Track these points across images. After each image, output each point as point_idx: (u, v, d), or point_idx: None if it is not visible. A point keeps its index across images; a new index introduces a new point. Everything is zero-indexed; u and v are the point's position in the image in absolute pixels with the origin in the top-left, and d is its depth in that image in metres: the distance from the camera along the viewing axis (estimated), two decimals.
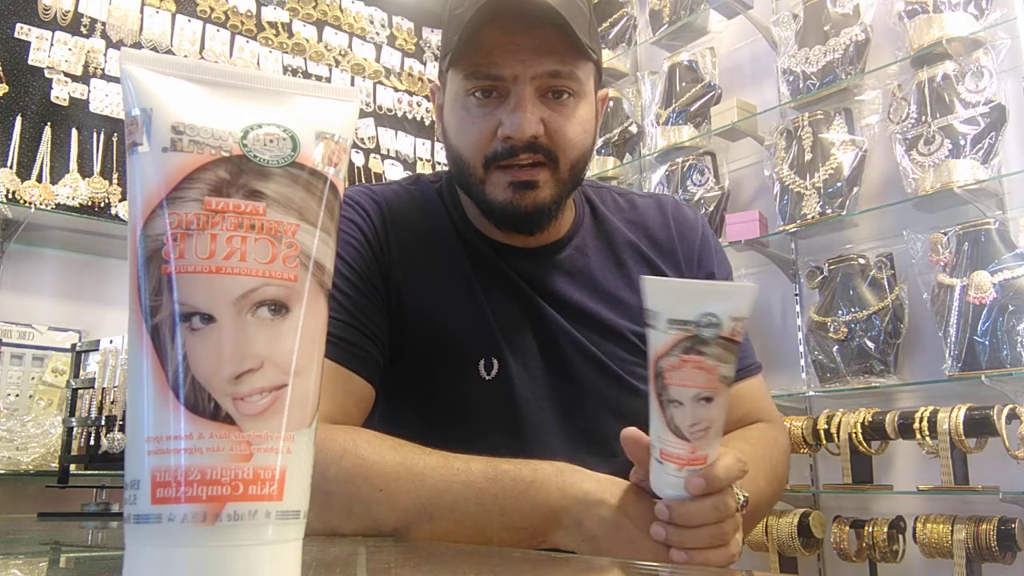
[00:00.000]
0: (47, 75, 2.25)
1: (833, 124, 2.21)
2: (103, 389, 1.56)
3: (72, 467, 1.64)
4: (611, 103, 2.79)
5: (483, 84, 0.89)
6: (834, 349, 2.09)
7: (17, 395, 2.09)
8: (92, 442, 1.56)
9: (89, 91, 2.31)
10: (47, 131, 2.21)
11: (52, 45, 2.27)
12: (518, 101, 0.88)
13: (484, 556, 0.66)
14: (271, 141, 0.34)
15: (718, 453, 0.68)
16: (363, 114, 2.88)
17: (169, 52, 2.44)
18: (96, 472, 1.68)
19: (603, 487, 0.76)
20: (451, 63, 0.90)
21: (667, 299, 0.63)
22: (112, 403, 1.54)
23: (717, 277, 1.05)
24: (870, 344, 2.02)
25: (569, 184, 0.94)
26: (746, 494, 0.72)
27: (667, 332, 0.62)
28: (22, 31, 2.24)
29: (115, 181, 2.27)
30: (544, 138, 0.89)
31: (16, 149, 2.14)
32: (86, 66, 2.32)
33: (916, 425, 1.81)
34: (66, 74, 2.28)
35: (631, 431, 0.72)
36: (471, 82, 0.90)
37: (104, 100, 2.33)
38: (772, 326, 2.41)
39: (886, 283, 2.05)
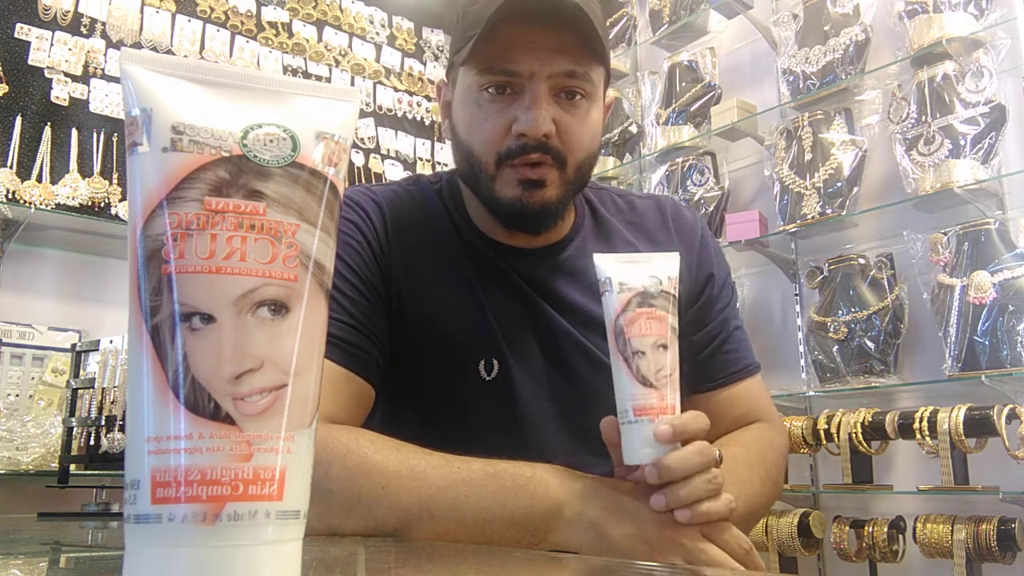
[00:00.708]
0: (47, 75, 2.25)
1: (833, 124, 2.22)
2: (103, 389, 1.55)
3: (72, 467, 1.64)
4: (613, 101, 2.79)
5: (498, 80, 0.89)
6: (834, 349, 2.09)
7: (17, 395, 2.09)
8: (92, 442, 1.56)
9: (89, 91, 2.31)
10: (47, 131, 2.21)
11: (52, 45, 2.27)
12: (533, 98, 0.88)
13: (485, 556, 0.66)
14: (271, 141, 0.34)
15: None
16: (363, 114, 2.88)
17: (169, 52, 2.44)
18: (96, 472, 1.68)
19: (600, 480, 0.77)
20: (466, 58, 0.90)
21: (618, 269, 0.76)
22: (112, 403, 1.54)
23: (716, 278, 1.05)
24: (870, 344, 2.02)
25: (575, 185, 0.95)
26: (720, 450, 0.74)
27: (621, 292, 0.75)
28: (22, 31, 2.24)
29: (115, 181, 2.27)
30: (555, 139, 0.89)
31: (16, 149, 2.14)
32: (86, 66, 2.32)
33: (916, 425, 1.81)
34: (66, 74, 2.28)
35: (608, 417, 0.76)
36: (485, 77, 0.90)
37: (104, 100, 2.33)
38: (772, 326, 2.41)
39: (886, 283, 2.05)
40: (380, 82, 2.96)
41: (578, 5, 0.85)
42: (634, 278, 0.75)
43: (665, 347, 0.74)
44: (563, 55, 0.88)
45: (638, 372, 0.73)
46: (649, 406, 0.72)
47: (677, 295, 0.77)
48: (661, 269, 0.76)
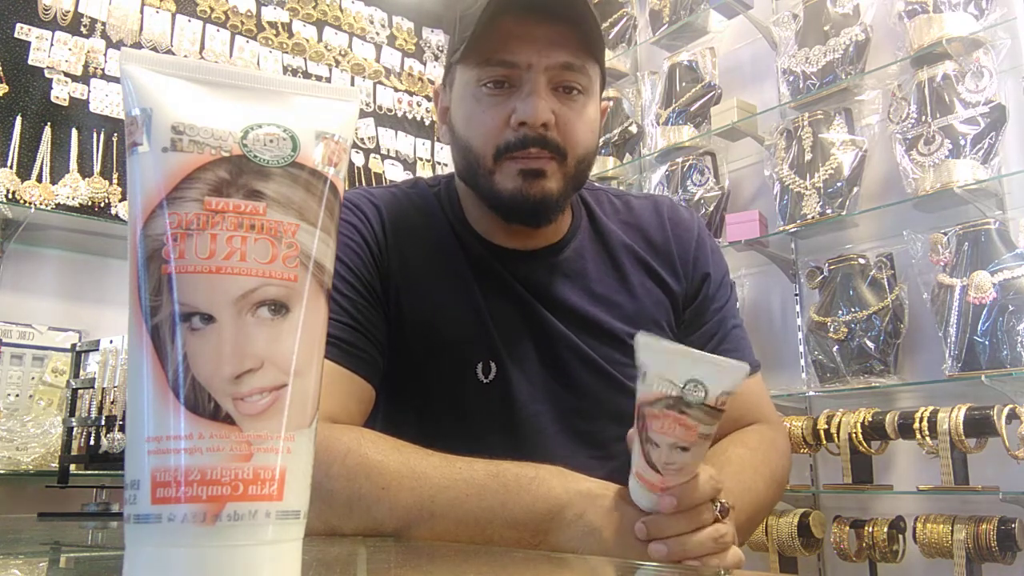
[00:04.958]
0: (47, 75, 2.25)
1: (833, 124, 2.21)
2: (103, 389, 1.55)
3: (72, 467, 1.64)
4: (611, 103, 2.79)
5: (496, 73, 0.90)
6: (834, 349, 2.09)
7: (17, 395, 2.09)
8: (92, 442, 1.56)
9: (89, 91, 2.31)
10: (47, 131, 2.21)
11: (52, 45, 2.27)
12: (532, 88, 0.89)
13: (485, 556, 0.66)
14: (271, 141, 0.34)
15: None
16: (363, 114, 2.88)
17: (169, 52, 2.44)
18: (96, 472, 1.68)
19: (603, 484, 0.76)
20: (463, 54, 0.90)
21: (657, 358, 0.64)
22: (112, 403, 1.54)
23: (713, 278, 1.05)
24: (870, 344, 2.02)
25: (574, 180, 0.95)
26: (722, 501, 0.72)
27: (652, 387, 0.64)
28: (22, 31, 2.24)
29: (115, 181, 2.27)
30: (554, 131, 0.90)
31: (16, 149, 2.14)
32: (86, 66, 2.32)
33: (916, 425, 1.81)
34: (66, 74, 2.28)
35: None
36: (484, 70, 0.90)
37: (104, 100, 2.33)
38: (772, 326, 2.41)
39: (886, 283, 2.05)
40: (380, 82, 2.96)
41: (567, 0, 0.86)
42: (674, 377, 0.62)
43: (686, 449, 0.65)
44: (561, 47, 0.89)
45: (648, 456, 0.67)
46: (649, 481, 0.69)
47: (723, 409, 0.64)
48: (712, 381, 0.62)
